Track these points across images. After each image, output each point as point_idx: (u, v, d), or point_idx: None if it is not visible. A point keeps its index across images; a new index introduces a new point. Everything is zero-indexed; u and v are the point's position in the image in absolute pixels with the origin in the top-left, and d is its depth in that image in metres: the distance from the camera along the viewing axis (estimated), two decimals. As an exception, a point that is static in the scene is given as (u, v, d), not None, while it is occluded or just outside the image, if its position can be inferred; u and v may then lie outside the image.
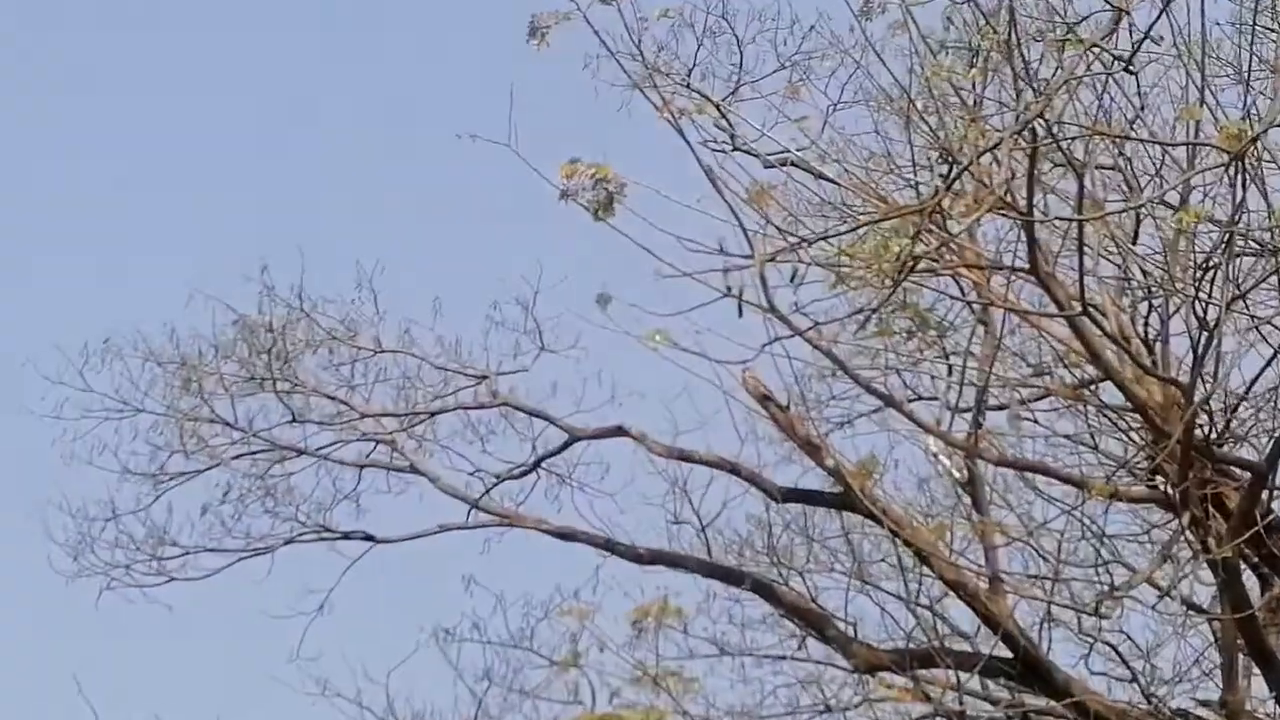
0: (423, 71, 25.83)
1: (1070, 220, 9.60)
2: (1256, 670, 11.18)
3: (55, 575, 12.85)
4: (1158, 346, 10.59)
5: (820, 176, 10.67)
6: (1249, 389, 10.76)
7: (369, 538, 12.85)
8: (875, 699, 12.48)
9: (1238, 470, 10.57)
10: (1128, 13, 8.70)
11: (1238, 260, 10.04)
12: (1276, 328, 10.67)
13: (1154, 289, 10.69)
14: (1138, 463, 11.18)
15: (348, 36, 26.90)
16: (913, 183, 10.48)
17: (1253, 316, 10.59)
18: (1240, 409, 10.91)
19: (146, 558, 12.78)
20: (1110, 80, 9.77)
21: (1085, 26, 9.17)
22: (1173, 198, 10.43)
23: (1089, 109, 10.08)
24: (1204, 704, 11.93)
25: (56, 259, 24.26)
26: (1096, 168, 10.37)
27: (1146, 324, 10.71)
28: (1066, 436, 11.90)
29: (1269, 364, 10.58)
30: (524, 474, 12.61)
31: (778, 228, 9.90)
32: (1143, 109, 10.39)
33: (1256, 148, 9.47)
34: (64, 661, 13.23)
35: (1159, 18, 8.89)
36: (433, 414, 12.78)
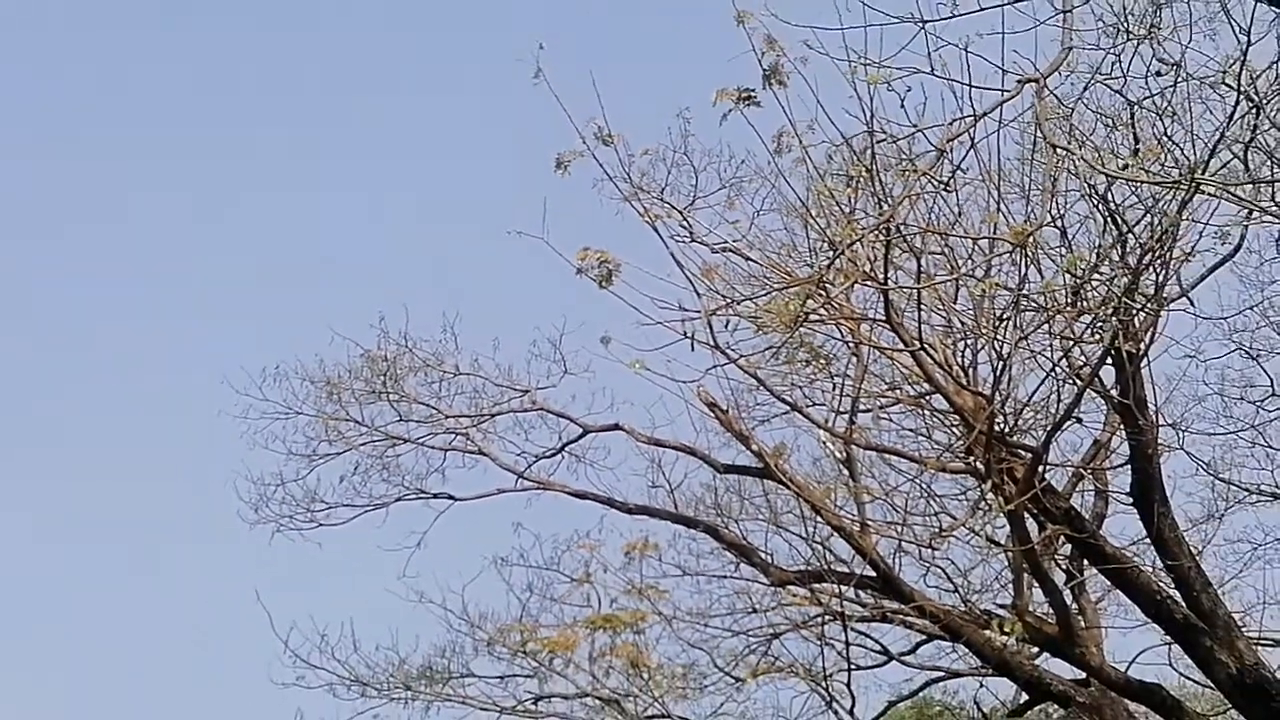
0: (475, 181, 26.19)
1: (912, 287, 10.65)
2: (1036, 584, 12.24)
3: (242, 523, 13.85)
4: (970, 370, 11.37)
5: (748, 259, 11.50)
6: (1029, 399, 11.63)
7: (451, 498, 13.63)
8: (785, 604, 13.59)
9: (1023, 451, 11.34)
10: (946, 152, 9.52)
11: (1022, 314, 11.00)
12: (1045, 359, 11.45)
13: (967, 333, 11.40)
14: (958, 448, 11.77)
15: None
16: (808, 263, 11.29)
17: (1031, 351, 11.49)
18: (1024, 412, 11.70)
19: (304, 511, 13.67)
20: (937, 195, 10.68)
21: (921, 160, 9.80)
22: (980, 272, 11.23)
23: (925, 213, 10.95)
24: (1002, 607, 13.08)
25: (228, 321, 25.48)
26: (930, 252, 11.00)
27: (963, 356, 11.40)
28: (911, 430, 13.00)
29: (1041, 383, 11.54)
30: (553, 455, 13.40)
31: (719, 293, 11.01)
32: (960, 214, 11.17)
33: (1033, 240, 10.46)
34: (248, 581, 14.16)
35: (967, 154, 10.07)
36: (493, 415, 13.47)
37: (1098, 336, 10.97)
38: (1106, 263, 10.66)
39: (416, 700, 13.83)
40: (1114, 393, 11.45)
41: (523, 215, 11.04)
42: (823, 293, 10.65)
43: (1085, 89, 9.65)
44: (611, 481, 13.37)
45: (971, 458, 11.36)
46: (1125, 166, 9.99)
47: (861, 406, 11.88)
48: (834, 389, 12.05)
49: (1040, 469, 11.24)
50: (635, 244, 11.10)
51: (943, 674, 14.41)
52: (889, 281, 10.45)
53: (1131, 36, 9.01)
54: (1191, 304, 11.59)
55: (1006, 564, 12.89)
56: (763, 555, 13.16)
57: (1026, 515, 11.58)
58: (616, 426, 12.97)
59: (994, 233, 10.90)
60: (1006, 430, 11.34)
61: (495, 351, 13.48)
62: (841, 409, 11.85)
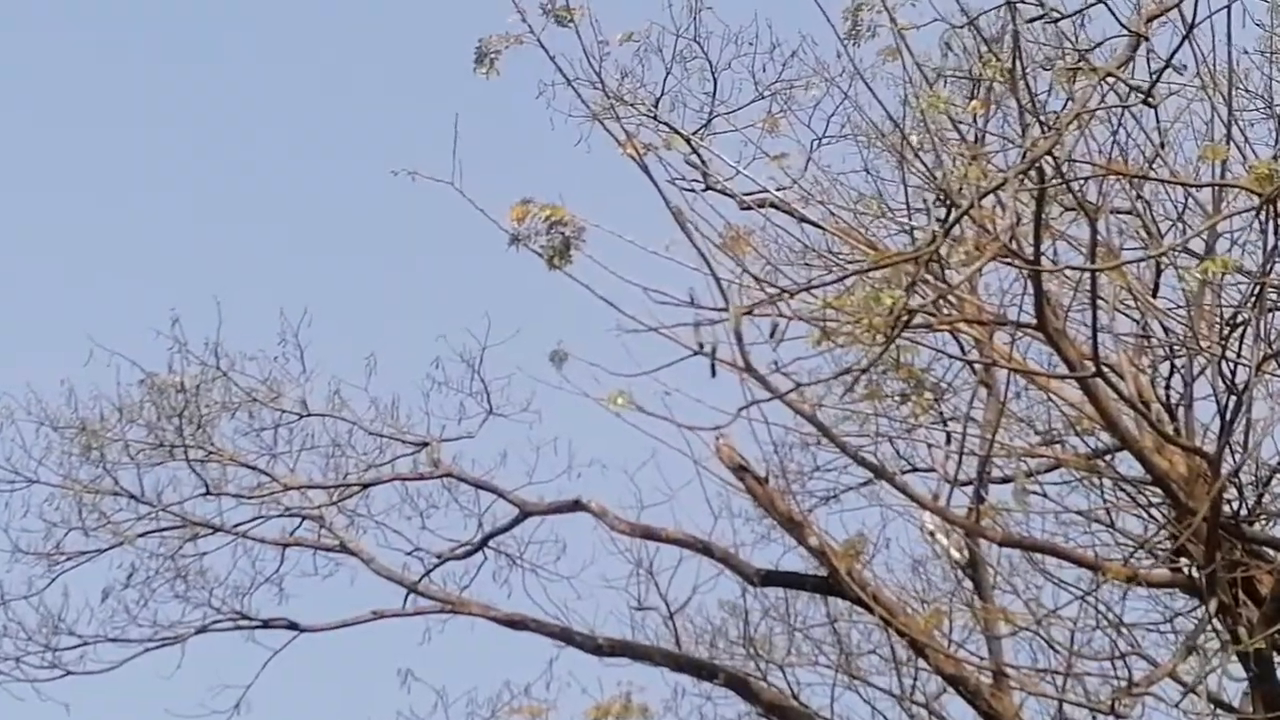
0: (358, 100, 25.76)
1: (1083, 270, 9.46)
2: None
3: None
4: (1180, 412, 10.40)
5: (803, 220, 10.67)
6: None
7: (293, 626, 12.69)
8: None
9: (1271, 551, 10.42)
10: (1146, 39, 8.46)
11: (1270, 316, 9.94)
12: None
13: (1176, 347, 10.55)
14: (1159, 542, 10.98)
15: (258, 54, 26.77)
16: (907, 227, 10.46)
17: None
18: (1273, 482, 10.84)
19: (40, 649, 12.60)
20: (1127, 114, 9.74)
21: (1099, 54, 8.90)
22: (1197, 245, 10.30)
23: (1103, 146, 10.03)
24: None
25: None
26: (1112, 212, 10.29)
27: (1168, 386, 10.57)
28: (1079, 513, 11.63)
29: None
30: (469, 554, 12.53)
31: (755, 277, 9.72)
32: (1163, 146, 10.27)
33: None
34: None
35: (1181, 45, 8.74)
36: (366, 486, 12.69)
37: None
38: None
39: None
40: None
41: (415, 147, 10.69)
42: (932, 278, 9.46)
43: None
44: (569, 599, 12.44)
45: (1184, 560, 10.42)
46: None
47: (995, 473, 11.22)
48: (948, 443, 11.27)
49: None
50: (611, 194, 10.08)
51: None
52: (1044, 261, 9.38)
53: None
54: None
55: None
56: None
57: (1277, 659, 10.58)
58: (577, 505, 12.01)
59: (1223, 177, 9.79)
60: (1243, 514, 10.48)
61: (370, 378, 12.71)
62: (963, 478, 10.87)
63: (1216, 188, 10.05)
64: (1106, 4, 8.47)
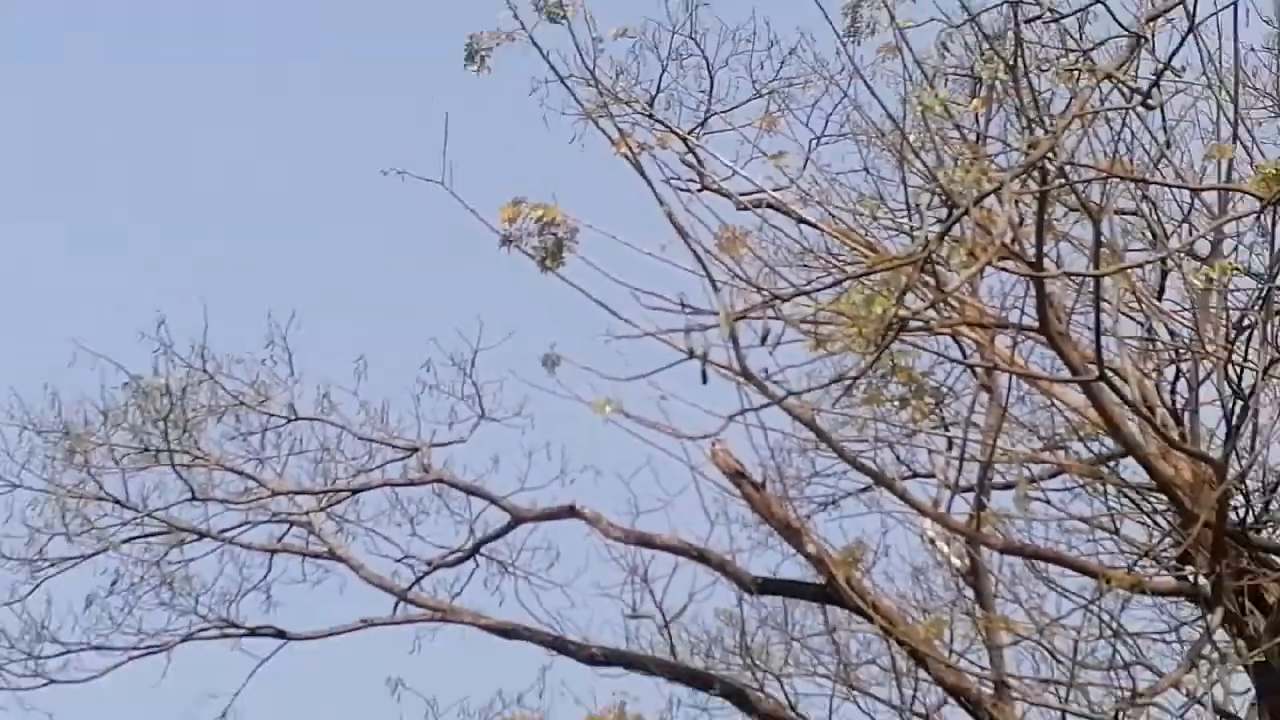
0: (347, 98, 25.45)
1: (1085, 275, 9.51)
2: None
3: None
4: (1186, 417, 10.43)
5: (800, 221, 10.71)
6: None
7: (280, 634, 12.68)
8: None
9: (1278, 559, 10.46)
10: (1148, 39, 8.62)
11: (1277, 319, 9.90)
12: None
13: (1181, 351, 10.55)
14: (1164, 550, 11.06)
15: (254, 54, 26.67)
16: (906, 229, 10.55)
17: None
18: None
19: (22, 657, 12.62)
20: (1130, 114, 9.75)
21: (1101, 54, 9.03)
22: (1202, 247, 10.40)
23: (1106, 147, 10.07)
24: None
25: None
26: (1115, 213, 10.22)
27: (1173, 391, 10.60)
28: (1082, 519, 11.75)
29: None
30: (460, 561, 12.58)
31: (750, 280, 9.70)
32: (1168, 146, 10.28)
33: None
34: None
35: (1183, 43, 8.78)
36: (355, 491, 12.71)
37: None
38: None
39: None
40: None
41: (405, 146, 10.44)
42: (930, 281, 9.36)
43: None
44: (563, 607, 12.55)
45: (1189, 569, 10.49)
46: None
47: (997, 479, 11.25)
48: (949, 448, 11.27)
49: None
50: (605, 195, 10.13)
51: None
52: (1046, 263, 9.43)
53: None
54: None
55: None
56: None
57: None
58: (571, 512, 12.06)
59: (1228, 179, 9.92)
60: (1250, 522, 10.56)
61: (360, 381, 12.78)
62: (964, 484, 10.81)
63: (1222, 189, 10.05)
64: (1105, 4, 8.44)
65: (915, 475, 11.66)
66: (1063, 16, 8.90)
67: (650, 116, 10.31)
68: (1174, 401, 10.53)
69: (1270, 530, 10.78)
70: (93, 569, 12.80)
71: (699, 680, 12.50)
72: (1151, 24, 8.61)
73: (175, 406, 12.58)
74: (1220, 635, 10.48)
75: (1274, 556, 10.43)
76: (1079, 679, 11.44)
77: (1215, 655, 10.67)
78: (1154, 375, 10.69)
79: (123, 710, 13.50)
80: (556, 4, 9.49)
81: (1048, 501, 11.75)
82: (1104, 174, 9.77)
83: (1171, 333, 10.62)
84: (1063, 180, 9.02)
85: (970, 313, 10.15)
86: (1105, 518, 11.64)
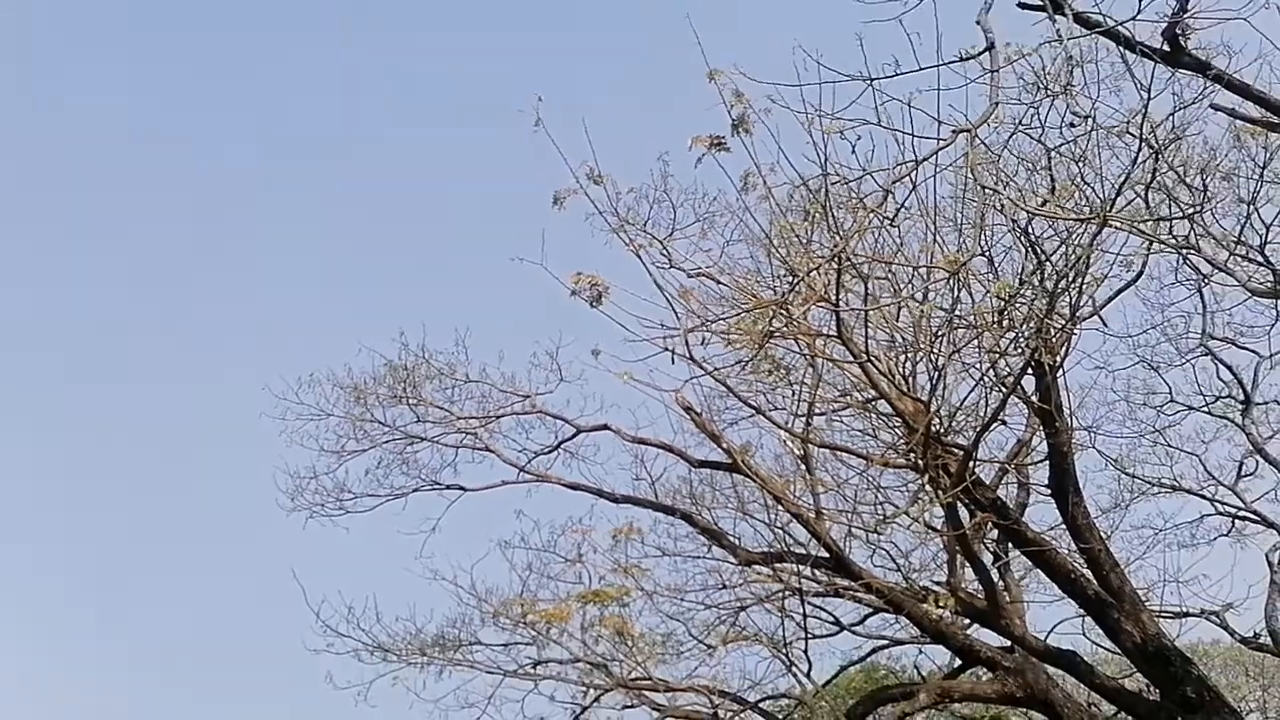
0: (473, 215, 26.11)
1: (860, 309, 10.53)
2: (967, 564, 12.34)
3: (279, 510, 13.77)
4: (910, 380, 11.39)
5: (719, 283, 11.52)
6: (961, 404, 11.63)
7: (461, 489, 13.46)
8: (751, 581, 13.57)
9: (955, 450, 11.29)
10: (890, 192, 9.06)
11: (955, 331, 11.05)
12: (974, 370, 11.53)
13: (908, 348, 11.50)
14: (900, 447, 11.72)
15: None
16: (771, 287, 11.24)
17: (963, 363, 11.55)
18: (956, 415, 11.63)
19: (333, 500, 13.58)
20: (883, 229, 10.61)
21: (869, 199, 9.62)
22: (919, 295, 11.20)
23: (872, 245, 10.86)
24: (937, 584, 12.99)
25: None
26: (875, 278, 11.01)
27: (904, 367, 11.48)
28: (859, 431, 12.83)
29: (971, 391, 11.60)
30: (549, 452, 13.36)
31: (695, 313, 11.04)
32: (901, 245, 11.21)
33: (965, 268, 10.50)
34: (284, 560, 13.73)
35: (909, 195, 9.72)
36: (498, 417, 13.38)
37: (1020, 351, 10.93)
38: (1028, 287, 10.70)
39: (431, 665, 13.68)
40: (1034, 399, 11.44)
41: (524, 245, 11.06)
42: (784, 313, 10.58)
43: (1010, 138, 9.72)
44: (600, 474, 13.34)
45: (911, 455, 11.35)
46: (1044, 204, 10.06)
47: (816, 411, 11.84)
48: (793, 396, 11.95)
49: (970, 465, 11.31)
50: (621, 269, 11.08)
51: (887, 642, 14.38)
52: (840, 304, 10.41)
53: (1049, 93, 9.11)
54: (1102, 322, 11.90)
55: (941, 547, 12.91)
56: (731, 539, 13.16)
57: (959, 505, 11.65)
58: (605, 427, 12.90)
59: (931, 261, 10.89)
60: (941, 431, 11.34)
61: (500, 362, 13.46)
62: (799, 413, 11.77)
63: (928, 267, 10.68)
64: (871, 176, 8.60)
65: (775, 408, 12.42)
66: (849, 180, 9.27)
67: (644, 230, 11.28)
68: (904, 371, 11.40)
69: (951, 435, 11.57)
70: (368, 457, 13.67)
71: (670, 511, 13.49)
72: (894, 185, 8.78)
73: (409, 375, 13.39)
74: (928, 488, 11.32)
75: (954, 448, 11.33)
76: (858, 509, 12.73)
77: (925, 498, 11.63)
78: (894, 359, 11.51)
79: (383, 527, 13.73)
80: (598, 175, 10.83)
81: (841, 421, 12.81)
82: (869, 259, 10.69)
83: (904, 338, 11.53)
84: (849, 263, 10.06)
85: (804, 328, 10.96)
86: (871, 430, 12.69)
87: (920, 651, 14.46)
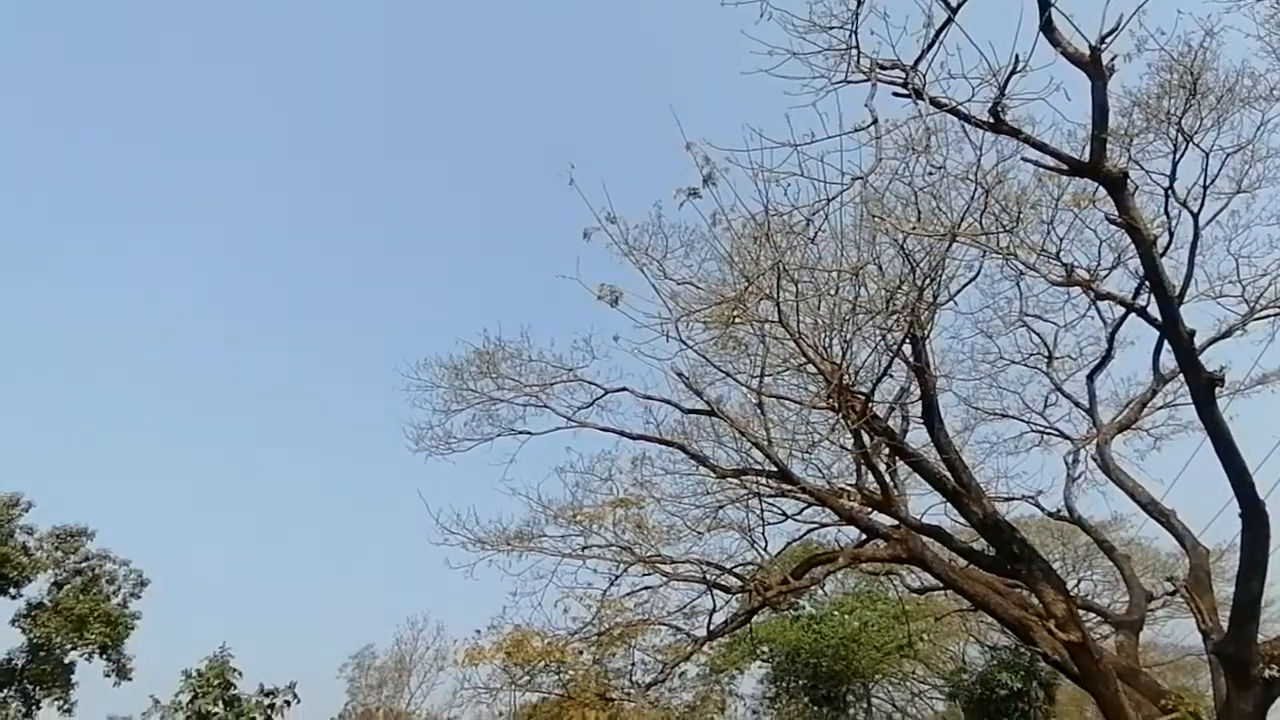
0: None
1: (794, 302, 10.25)
2: (869, 471, 12.05)
3: (408, 451, 12.92)
4: (828, 349, 10.90)
5: (698, 288, 11.34)
6: (863, 364, 11.10)
7: (528, 433, 12.60)
8: (725, 489, 12.89)
9: (859, 395, 11.06)
10: (811, 221, 8.97)
11: (857, 315, 10.64)
12: (871, 340, 11.05)
13: (827, 327, 10.97)
14: (822, 395, 11.23)
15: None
16: (733, 288, 10.83)
17: (863, 336, 11.02)
18: (859, 372, 11.10)
19: (443, 443, 13.00)
20: (807, 246, 10.05)
21: (797, 225, 9.22)
22: (833, 291, 10.60)
23: (800, 257, 10.30)
24: (850, 485, 12.49)
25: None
26: (803, 281, 10.63)
27: (825, 340, 11.02)
28: (796, 385, 12.11)
29: (869, 355, 11.10)
30: (588, 407, 12.53)
31: (682, 307, 10.96)
32: (819, 257, 10.47)
33: (863, 271, 10.17)
34: (413, 484, 13.76)
35: (824, 221, 9.29)
36: (552, 384, 12.65)
37: (901, 327, 10.78)
38: (905, 283, 10.53)
39: (513, 551, 12.98)
40: (911, 359, 11.39)
41: (566, 266, 10.65)
42: (742, 307, 10.51)
43: (889, 182, 9.75)
44: (622, 421, 13.01)
45: (830, 400, 11.13)
46: (914, 227, 10.09)
47: (766, 373, 11.53)
48: (750, 363, 11.71)
49: (869, 405, 11.15)
50: (631, 280, 10.91)
51: (817, 525, 13.81)
52: (779, 299, 10.26)
53: (915, 151, 9.29)
54: (955, 306, 11.72)
55: (851, 461, 12.62)
56: (712, 461, 12.75)
57: (862, 432, 11.57)
58: (624, 389, 12.62)
59: (840, 267, 10.67)
60: (850, 383, 11.12)
61: (551, 346, 13.08)
62: (755, 374, 11.51)
63: (839, 270, 10.20)
64: (799, 211, 8.73)
65: (739, 372, 12.00)
66: (784, 213, 9.11)
67: (645, 253, 10.97)
68: (825, 343, 10.88)
69: (857, 385, 11.08)
70: (466, 415, 12.75)
71: (670, 444, 12.80)
72: (813, 216, 8.78)
73: (491, 357, 12.69)
74: (859, 436, 11.28)
75: (858, 394, 10.95)
76: (796, 440, 12.21)
77: (840, 429, 11.58)
78: (818, 335, 10.82)
79: (477, 463, 12.84)
80: (614, 291, 10.21)
81: (784, 379, 11.84)
82: (798, 267, 10.18)
83: (823, 321, 10.77)
84: (784, 270, 9.98)
85: (754, 316, 10.66)
86: (803, 385, 11.91)
87: (839, 531, 14.28)
